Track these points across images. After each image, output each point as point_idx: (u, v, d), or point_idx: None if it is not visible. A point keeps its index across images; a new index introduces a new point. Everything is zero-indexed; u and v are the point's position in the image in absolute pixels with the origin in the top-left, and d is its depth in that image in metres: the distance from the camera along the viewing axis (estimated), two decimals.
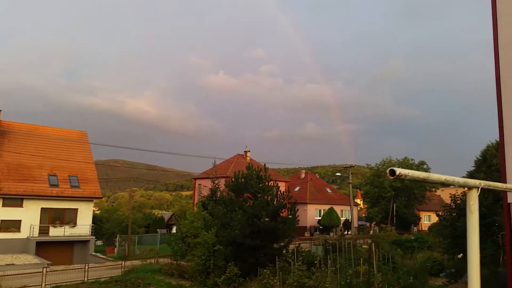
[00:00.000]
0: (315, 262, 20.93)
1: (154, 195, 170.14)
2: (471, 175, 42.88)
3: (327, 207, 61.95)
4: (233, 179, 25.99)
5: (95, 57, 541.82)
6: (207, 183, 42.87)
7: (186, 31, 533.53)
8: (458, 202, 21.70)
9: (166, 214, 78.49)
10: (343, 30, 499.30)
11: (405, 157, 65.06)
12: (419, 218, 67.36)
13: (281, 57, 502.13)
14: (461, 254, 20.28)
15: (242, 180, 25.28)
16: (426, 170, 64.86)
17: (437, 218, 62.04)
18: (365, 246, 30.39)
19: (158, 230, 57.10)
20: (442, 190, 77.09)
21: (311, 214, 61.62)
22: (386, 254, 22.06)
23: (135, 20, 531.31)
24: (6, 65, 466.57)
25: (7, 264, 28.18)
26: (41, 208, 35.49)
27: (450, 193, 23.47)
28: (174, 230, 62.82)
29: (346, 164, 50.28)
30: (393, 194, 61.45)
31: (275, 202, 24.49)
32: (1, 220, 33.67)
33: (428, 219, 72.86)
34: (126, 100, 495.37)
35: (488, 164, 42.18)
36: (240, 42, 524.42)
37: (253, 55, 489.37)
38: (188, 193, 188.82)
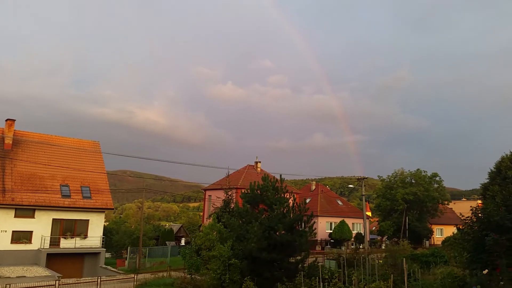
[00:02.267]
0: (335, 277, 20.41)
1: (161, 207, 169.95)
2: (485, 188, 42.08)
3: (338, 220, 61.18)
4: (247, 190, 25.56)
5: (103, 67, 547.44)
6: (218, 194, 42.45)
7: (194, 41, 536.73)
8: (479, 214, 21.05)
9: (175, 226, 78.18)
10: (349, 41, 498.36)
11: (418, 169, 64.06)
12: (431, 232, 66.18)
13: (289, 67, 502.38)
14: (486, 270, 19.62)
15: (258, 191, 24.84)
16: (439, 183, 64.03)
17: (450, 232, 60.67)
18: (380, 261, 29.70)
19: (167, 242, 56.66)
20: (454, 203, 75.89)
21: (322, 227, 60.82)
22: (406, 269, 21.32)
23: (142, 30, 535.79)
24: (12, 74, 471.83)
25: (18, 277, 27.74)
26: (53, 219, 35.06)
27: (471, 206, 22.74)
28: (183, 242, 62.40)
29: (357, 176, 49.91)
30: (405, 207, 60.47)
31: (291, 215, 24.00)
32: (13, 231, 33.33)
33: (440, 233, 71.61)
34: (136, 110, 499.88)
35: (503, 176, 41.37)
36: (248, 52, 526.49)
37: (261, 65, 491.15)
38: (195, 204, 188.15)
